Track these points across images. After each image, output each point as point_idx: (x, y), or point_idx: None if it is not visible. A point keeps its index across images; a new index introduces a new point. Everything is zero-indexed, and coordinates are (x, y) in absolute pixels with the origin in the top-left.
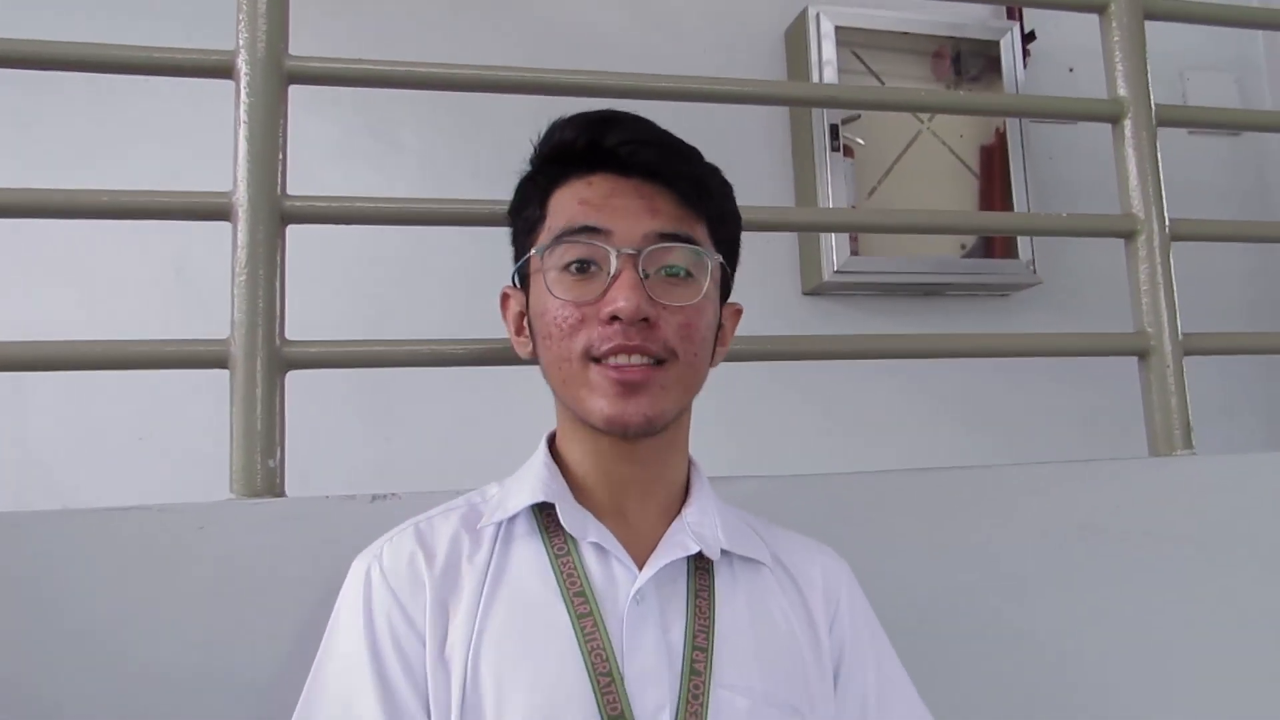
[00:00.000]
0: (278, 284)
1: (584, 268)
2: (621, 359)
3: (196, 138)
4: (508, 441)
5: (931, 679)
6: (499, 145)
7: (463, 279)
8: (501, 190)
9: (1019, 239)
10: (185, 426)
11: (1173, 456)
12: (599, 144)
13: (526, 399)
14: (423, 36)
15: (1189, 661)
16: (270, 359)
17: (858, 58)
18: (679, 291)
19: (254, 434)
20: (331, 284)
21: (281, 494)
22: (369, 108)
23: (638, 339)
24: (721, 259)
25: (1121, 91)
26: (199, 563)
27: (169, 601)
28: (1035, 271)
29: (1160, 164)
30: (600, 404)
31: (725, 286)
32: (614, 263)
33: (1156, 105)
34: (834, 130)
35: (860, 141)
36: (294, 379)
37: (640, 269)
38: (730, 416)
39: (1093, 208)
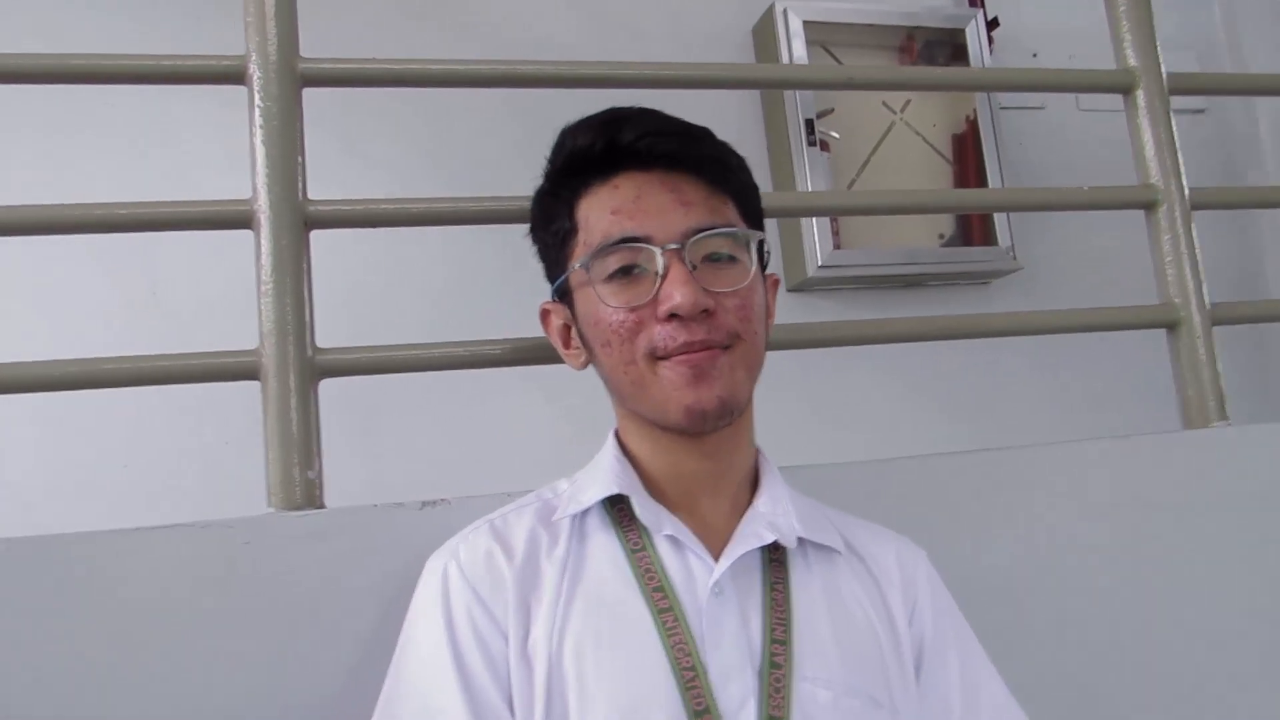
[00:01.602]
0: (305, 291)
1: (629, 270)
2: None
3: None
4: (506, 450)
5: (993, 658)
6: (470, 154)
7: (446, 282)
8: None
9: (997, 227)
10: (172, 452)
11: (1210, 428)
12: (616, 143)
13: (530, 406)
14: (381, 47)
15: (1252, 627)
16: (303, 368)
17: (829, 52)
18: (729, 275)
19: (290, 445)
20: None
21: (322, 505)
22: (334, 120)
23: (701, 333)
24: (762, 235)
25: (1132, 62)
26: (249, 579)
27: (221, 621)
28: (1015, 258)
29: (1175, 134)
30: (675, 395)
31: (762, 259)
32: (660, 261)
33: (1168, 74)
34: (809, 125)
35: (835, 135)
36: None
37: (687, 261)
38: None
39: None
